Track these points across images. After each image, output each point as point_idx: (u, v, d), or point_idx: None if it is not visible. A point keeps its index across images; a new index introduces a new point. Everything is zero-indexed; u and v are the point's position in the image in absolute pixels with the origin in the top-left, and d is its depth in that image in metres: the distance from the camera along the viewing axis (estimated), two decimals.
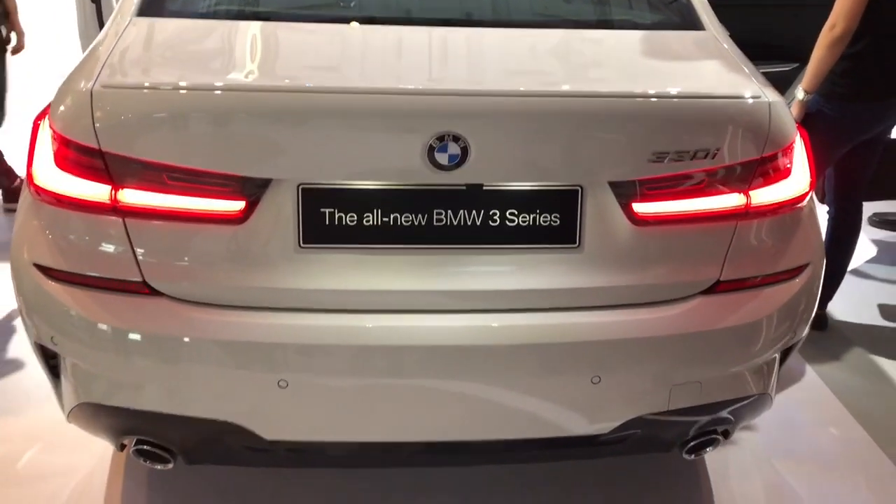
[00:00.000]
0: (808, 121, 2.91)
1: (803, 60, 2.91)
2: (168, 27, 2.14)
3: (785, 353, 2.11)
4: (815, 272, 2.07)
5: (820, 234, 2.13)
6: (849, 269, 3.41)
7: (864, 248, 3.98)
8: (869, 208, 3.59)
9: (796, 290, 2.02)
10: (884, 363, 3.20)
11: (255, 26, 2.17)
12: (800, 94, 2.87)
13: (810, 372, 3.12)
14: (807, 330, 2.11)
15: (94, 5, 3.49)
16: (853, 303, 3.58)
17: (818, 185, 3.36)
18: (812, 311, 2.10)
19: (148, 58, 2.02)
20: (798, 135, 2.03)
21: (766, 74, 2.69)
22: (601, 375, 1.87)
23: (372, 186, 1.82)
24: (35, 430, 2.67)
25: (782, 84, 3.42)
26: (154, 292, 1.83)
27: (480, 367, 1.85)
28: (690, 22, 2.32)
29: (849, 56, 2.82)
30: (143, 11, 2.15)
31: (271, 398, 1.82)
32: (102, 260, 1.83)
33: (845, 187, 3.22)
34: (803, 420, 2.85)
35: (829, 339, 3.35)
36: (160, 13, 2.17)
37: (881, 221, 4.30)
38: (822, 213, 3.33)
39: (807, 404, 2.93)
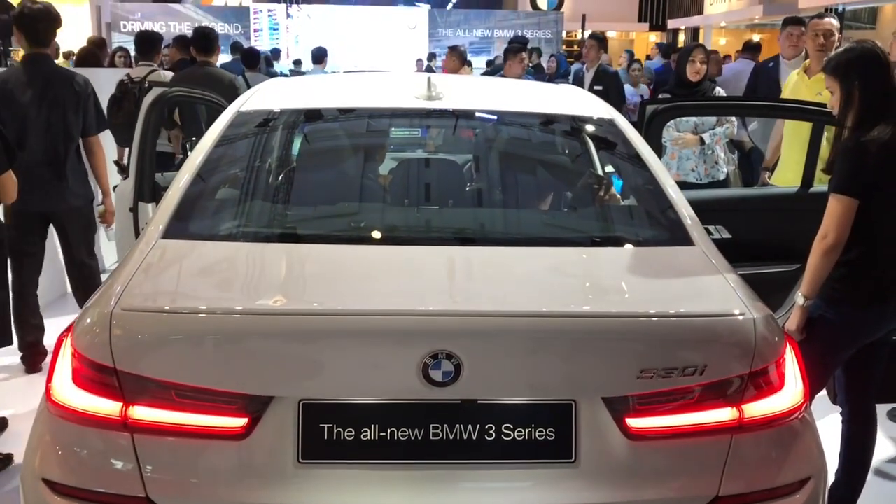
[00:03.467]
0: (811, 326, 2.96)
1: (804, 260, 2.99)
2: (187, 251, 2.30)
3: None
4: (818, 486, 2.06)
5: (821, 445, 2.12)
6: (871, 470, 3.33)
7: (884, 446, 3.89)
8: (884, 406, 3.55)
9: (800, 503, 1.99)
10: None
11: (267, 249, 2.33)
12: (800, 299, 2.94)
13: None
14: None
15: (131, 214, 3.75)
16: None
17: (829, 386, 3.36)
18: None
19: (164, 282, 2.16)
20: (788, 347, 2.08)
21: (765, 276, 2.78)
22: None
23: (370, 402, 1.89)
24: None
25: (783, 285, 3.50)
26: None
27: None
28: (680, 237, 2.43)
29: (844, 263, 2.91)
30: (168, 234, 2.33)
31: None
32: (108, 475, 1.89)
33: (856, 388, 3.21)
34: None
35: None
36: (184, 235, 2.34)
37: None
38: (837, 412, 3.31)
39: None
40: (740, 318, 1.98)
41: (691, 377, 1.90)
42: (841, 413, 3.26)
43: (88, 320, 1.96)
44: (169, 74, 6.31)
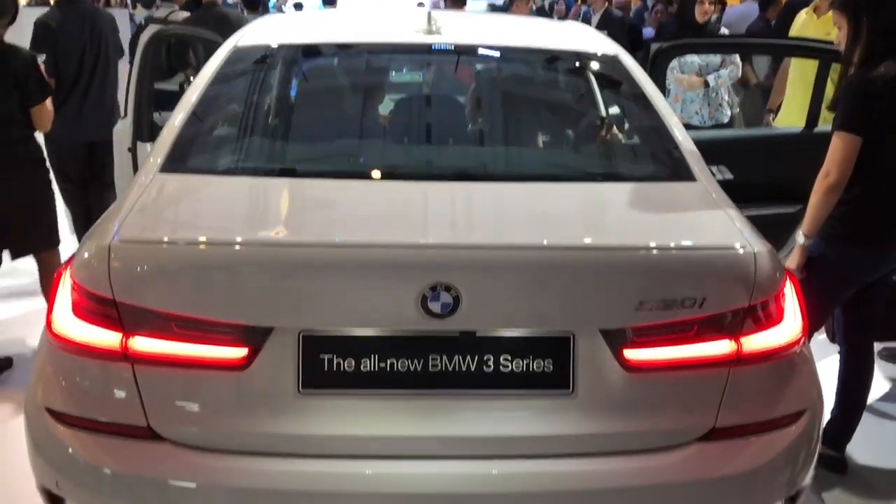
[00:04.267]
0: (811, 265, 2.96)
1: (806, 202, 2.98)
2: (186, 184, 2.29)
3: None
4: (814, 418, 2.08)
5: (818, 380, 2.14)
6: (867, 409, 3.36)
7: (880, 386, 3.92)
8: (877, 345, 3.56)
9: (794, 436, 2.02)
10: None
11: (265, 183, 2.33)
12: (800, 238, 2.93)
13: None
14: (809, 479, 2.09)
15: (129, 154, 3.72)
16: (873, 444, 3.50)
17: (828, 325, 3.37)
18: (813, 458, 2.09)
19: (163, 214, 2.16)
20: (788, 282, 2.08)
21: (767, 217, 2.77)
22: None
23: (369, 334, 1.90)
24: None
25: (785, 227, 3.49)
26: (157, 437, 1.89)
27: None
28: (682, 173, 2.42)
29: (846, 201, 2.90)
30: (166, 168, 2.32)
31: None
32: (110, 405, 1.91)
33: (854, 327, 3.22)
34: None
35: (848, 483, 3.26)
36: (181, 170, 2.33)
37: (893, 356, 4.25)
38: (834, 352, 3.33)
39: None
40: (740, 251, 1.98)
41: (690, 309, 1.90)
42: (839, 352, 3.28)
43: (87, 253, 1.96)
44: (185, 15, 6.24)
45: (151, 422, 1.89)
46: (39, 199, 3.87)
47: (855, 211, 2.92)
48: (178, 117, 2.49)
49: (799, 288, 2.13)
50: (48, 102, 3.81)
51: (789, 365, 2.04)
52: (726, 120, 5.43)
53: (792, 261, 2.94)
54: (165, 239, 1.97)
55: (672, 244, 2.01)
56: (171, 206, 2.22)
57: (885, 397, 3.93)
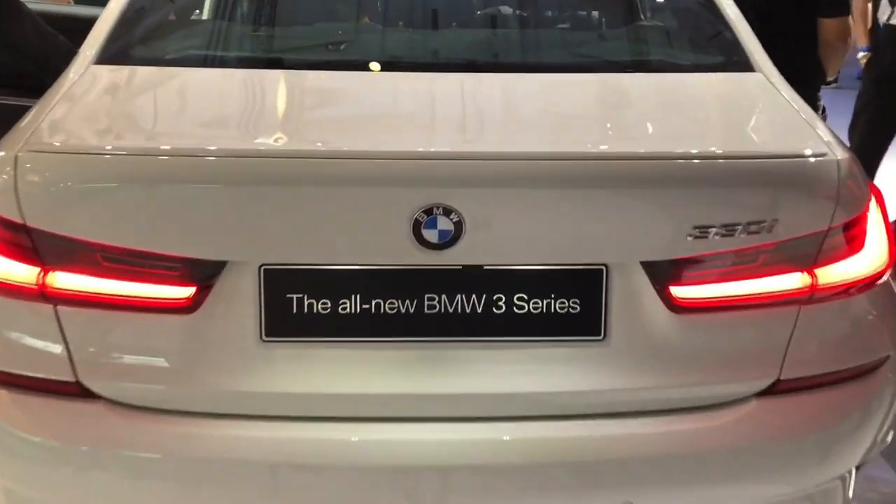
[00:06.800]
0: None
1: None
2: (124, 78, 1.92)
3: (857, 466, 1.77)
4: None
5: None
6: None
7: None
8: None
9: (876, 389, 1.70)
10: None
11: (223, 76, 1.97)
12: None
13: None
14: (890, 438, 1.76)
15: None
16: None
17: None
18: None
19: (91, 116, 1.78)
20: (873, 197, 1.69)
21: None
22: (634, 500, 1.58)
23: (348, 267, 1.55)
24: None
25: None
26: (89, 395, 1.58)
27: (484, 490, 1.57)
28: (738, 62, 2.04)
29: None
30: (103, 58, 1.93)
31: None
32: (30, 355, 1.59)
33: None
34: None
35: None
36: (122, 60, 1.96)
37: None
38: None
39: None
40: (821, 158, 1.60)
41: (756, 235, 1.55)
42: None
43: None
44: None
45: (81, 376, 1.57)
46: None
47: None
48: None
49: (883, 204, 1.74)
50: None
51: (871, 301, 1.70)
52: None
53: None
54: (89, 147, 1.60)
55: (734, 152, 1.64)
56: (103, 105, 1.84)
57: None
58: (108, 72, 1.89)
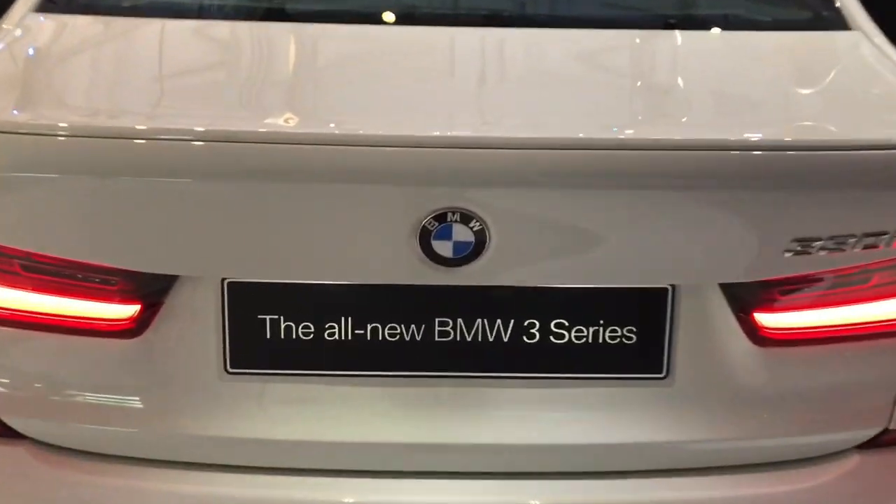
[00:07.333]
0: None
1: None
2: (67, 32, 1.64)
3: None
4: None
5: None
6: None
7: None
8: None
9: None
10: None
11: (186, 32, 1.67)
12: None
13: None
14: None
15: None
16: None
17: None
18: None
19: (19, 82, 1.49)
20: None
21: None
22: None
23: (337, 283, 1.30)
24: None
25: None
26: (12, 434, 1.37)
27: None
28: (830, 18, 1.75)
29: None
30: (44, 6, 1.65)
31: None
32: None
33: None
34: None
35: None
36: (68, 9, 1.68)
37: None
38: None
39: None
40: None
41: (870, 251, 1.27)
42: None
43: None
44: None
45: (2, 412, 1.35)
46: None
47: None
48: None
49: None
50: None
51: None
52: None
53: None
54: (5, 125, 1.28)
55: (841, 140, 1.32)
56: (36, 68, 1.55)
57: None
58: (49, 22, 1.61)
